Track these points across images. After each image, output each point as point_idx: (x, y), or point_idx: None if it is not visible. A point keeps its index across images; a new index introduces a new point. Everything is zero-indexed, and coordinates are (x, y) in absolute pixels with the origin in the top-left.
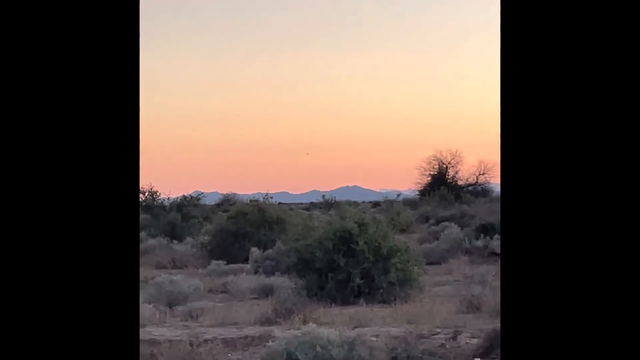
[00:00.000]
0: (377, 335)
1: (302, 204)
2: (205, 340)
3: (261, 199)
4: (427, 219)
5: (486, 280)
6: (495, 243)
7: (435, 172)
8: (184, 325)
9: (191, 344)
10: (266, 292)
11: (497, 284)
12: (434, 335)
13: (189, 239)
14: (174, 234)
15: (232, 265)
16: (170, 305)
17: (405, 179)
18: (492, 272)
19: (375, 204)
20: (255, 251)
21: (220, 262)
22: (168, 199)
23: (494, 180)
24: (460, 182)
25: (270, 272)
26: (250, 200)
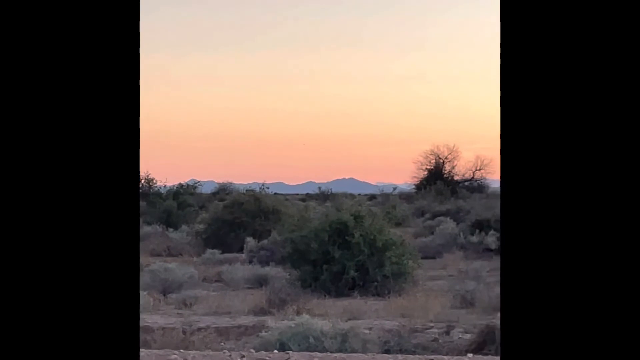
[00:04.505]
0: (370, 328)
1: (298, 194)
2: (199, 329)
3: (257, 189)
4: (422, 213)
5: (480, 276)
6: (490, 239)
7: (432, 167)
8: (178, 313)
9: (184, 332)
10: (260, 282)
11: (492, 279)
12: (427, 329)
13: (184, 227)
14: (170, 221)
15: (227, 255)
16: (165, 292)
17: (401, 173)
18: (486, 267)
19: (371, 197)
20: (250, 241)
21: (215, 251)
22: (164, 186)
23: (491, 176)
24: (456, 177)
25: (265, 262)
26: (247, 190)
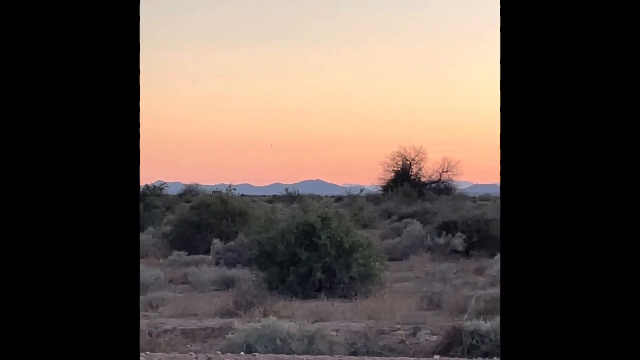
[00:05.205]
0: (337, 330)
1: (264, 196)
2: (165, 331)
3: (224, 191)
4: (389, 215)
5: (447, 278)
6: (457, 241)
7: (399, 169)
8: (144, 315)
9: (150, 334)
10: (227, 283)
11: (458, 281)
12: (393, 331)
13: (150, 229)
14: None
15: (193, 256)
16: None
17: (368, 175)
18: (453, 269)
19: (338, 199)
20: (216, 242)
21: (182, 252)
22: None
23: (457, 178)
24: (423, 179)
25: (231, 264)
26: (213, 192)
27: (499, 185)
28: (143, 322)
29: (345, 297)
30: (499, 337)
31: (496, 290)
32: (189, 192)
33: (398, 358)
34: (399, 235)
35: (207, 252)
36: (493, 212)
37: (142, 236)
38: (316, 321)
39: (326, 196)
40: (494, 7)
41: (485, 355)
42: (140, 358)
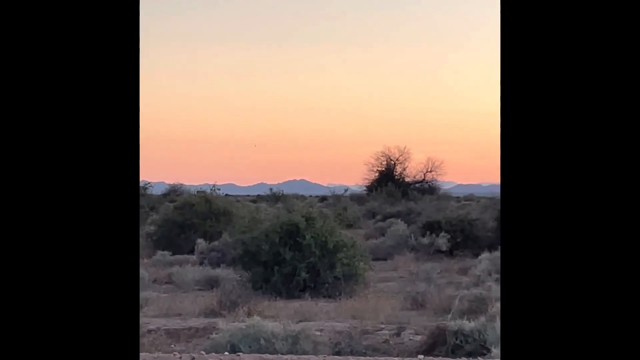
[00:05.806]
0: (321, 330)
1: (249, 196)
2: (149, 331)
3: (208, 190)
4: (373, 215)
5: (431, 278)
6: (441, 241)
7: (383, 168)
8: None
9: None
10: (211, 283)
11: (442, 281)
12: (377, 331)
13: None
14: None
15: (177, 256)
16: None
17: (353, 174)
18: (437, 269)
19: (323, 199)
20: (201, 242)
21: (166, 252)
22: None
23: (441, 178)
24: (407, 179)
25: (215, 264)
26: (198, 191)
27: (483, 185)
28: None
29: (329, 297)
30: (482, 336)
31: (480, 290)
32: (173, 192)
33: (382, 358)
34: (383, 235)
35: (191, 252)
36: (477, 212)
37: None
38: (300, 321)
39: (310, 196)
40: (494, 7)
41: (469, 355)
42: None
